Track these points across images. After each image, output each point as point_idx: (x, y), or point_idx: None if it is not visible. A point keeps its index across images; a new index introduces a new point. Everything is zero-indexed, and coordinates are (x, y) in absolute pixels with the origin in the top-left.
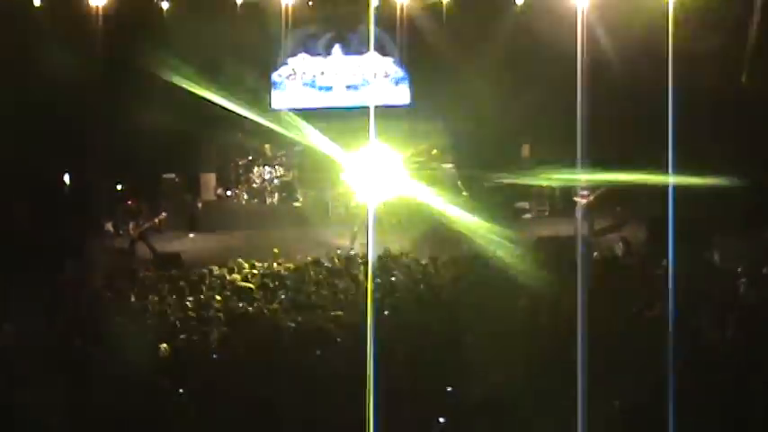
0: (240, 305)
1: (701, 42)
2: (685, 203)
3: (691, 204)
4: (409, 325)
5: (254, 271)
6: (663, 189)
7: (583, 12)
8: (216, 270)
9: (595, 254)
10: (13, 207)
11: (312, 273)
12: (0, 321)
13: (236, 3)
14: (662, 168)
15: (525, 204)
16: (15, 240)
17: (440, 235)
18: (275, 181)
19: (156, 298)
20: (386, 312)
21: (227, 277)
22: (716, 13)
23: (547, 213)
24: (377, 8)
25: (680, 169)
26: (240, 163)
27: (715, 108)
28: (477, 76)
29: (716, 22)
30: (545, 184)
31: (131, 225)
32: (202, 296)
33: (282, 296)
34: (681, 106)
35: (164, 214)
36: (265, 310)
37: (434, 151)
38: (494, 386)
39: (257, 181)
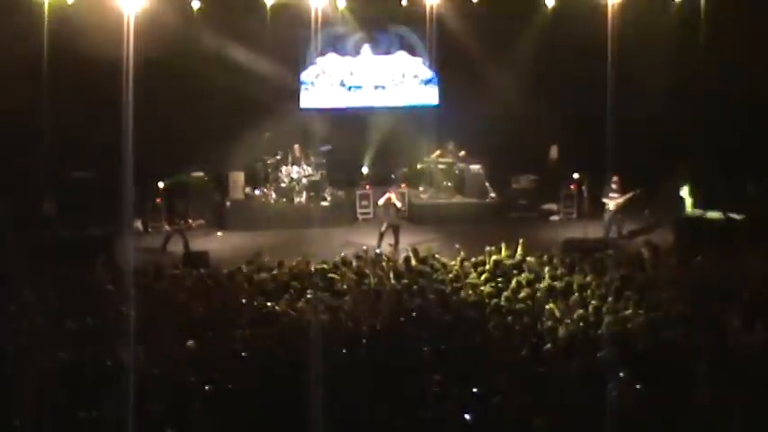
0: (268, 303)
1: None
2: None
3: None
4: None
5: (283, 270)
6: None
7: (612, 13)
8: (244, 269)
9: None
10: (42, 204)
11: (338, 273)
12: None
13: (265, 3)
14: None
15: (553, 206)
16: (46, 238)
17: (468, 236)
18: (303, 180)
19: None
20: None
21: (255, 276)
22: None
23: (574, 216)
24: (406, 9)
25: (709, 173)
26: (268, 162)
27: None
28: (506, 77)
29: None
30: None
31: (165, 220)
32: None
33: (309, 295)
34: (710, 110)
35: (201, 221)
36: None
37: (462, 152)
38: None
39: (285, 180)
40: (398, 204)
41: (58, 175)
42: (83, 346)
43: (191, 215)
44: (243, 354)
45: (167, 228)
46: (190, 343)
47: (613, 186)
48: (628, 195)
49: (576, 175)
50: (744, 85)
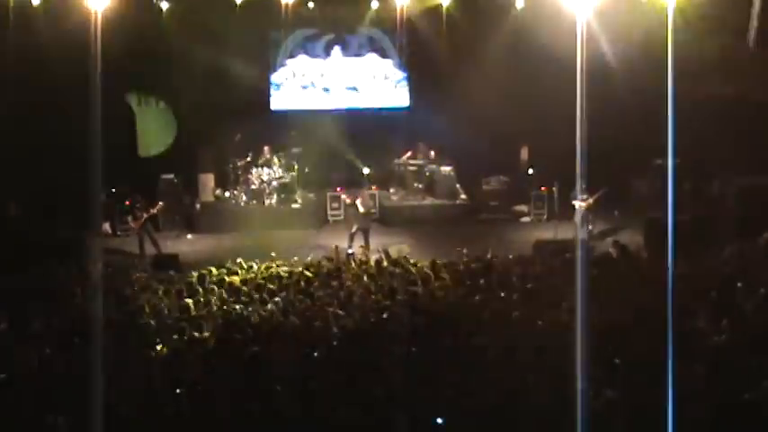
0: (237, 307)
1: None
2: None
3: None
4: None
5: (251, 274)
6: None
7: (582, 15)
8: (214, 272)
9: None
10: (8, 206)
11: (309, 275)
12: None
13: (235, 3)
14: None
15: (523, 208)
16: (11, 240)
17: (439, 238)
18: (274, 182)
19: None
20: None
21: (226, 279)
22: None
23: (545, 217)
24: (377, 10)
25: (679, 173)
26: (239, 164)
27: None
28: (477, 79)
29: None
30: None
31: (130, 218)
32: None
33: (278, 299)
34: (681, 110)
35: (160, 203)
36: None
37: (432, 153)
38: None
39: (256, 182)
40: (361, 209)
41: (24, 178)
42: (49, 350)
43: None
44: (215, 357)
45: (133, 226)
46: (160, 347)
47: (581, 188)
48: (595, 195)
49: (530, 171)
50: (711, 85)
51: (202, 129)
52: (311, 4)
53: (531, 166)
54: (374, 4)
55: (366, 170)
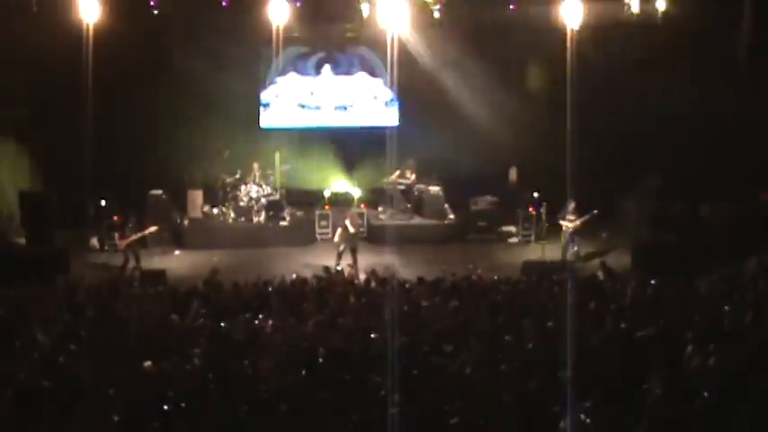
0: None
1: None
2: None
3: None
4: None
5: (240, 289)
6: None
7: (572, 34)
8: (201, 287)
9: None
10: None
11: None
12: None
13: (226, 21)
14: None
15: (511, 228)
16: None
17: (427, 257)
18: (262, 200)
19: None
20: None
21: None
22: None
23: (532, 238)
24: (367, 29)
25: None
26: (227, 181)
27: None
28: (466, 99)
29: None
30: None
31: (117, 235)
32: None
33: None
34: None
35: (154, 228)
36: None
37: (413, 176)
38: None
39: (244, 199)
40: (351, 229)
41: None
42: (35, 365)
43: (145, 225)
44: (207, 375)
45: (119, 242)
46: (147, 364)
47: (570, 208)
48: (584, 217)
49: (535, 194)
50: (701, 107)
51: (192, 144)
52: (302, 22)
53: (533, 192)
54: (365, 23)
55: (354, 189)
